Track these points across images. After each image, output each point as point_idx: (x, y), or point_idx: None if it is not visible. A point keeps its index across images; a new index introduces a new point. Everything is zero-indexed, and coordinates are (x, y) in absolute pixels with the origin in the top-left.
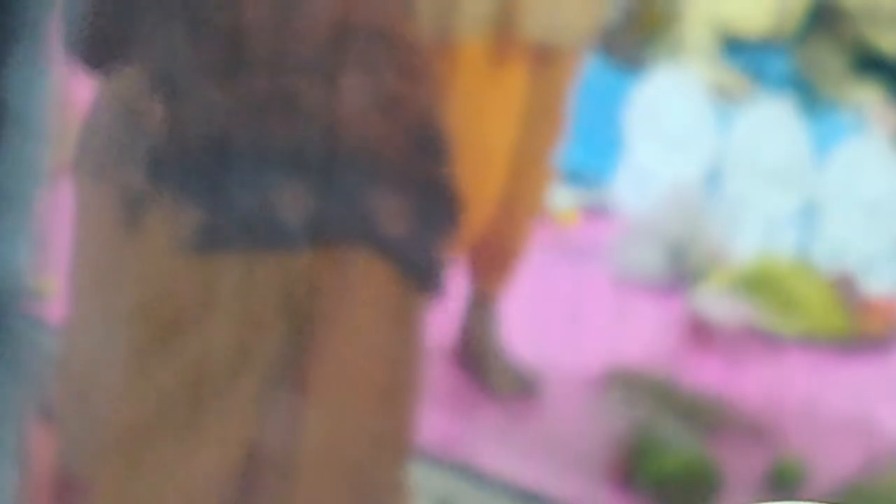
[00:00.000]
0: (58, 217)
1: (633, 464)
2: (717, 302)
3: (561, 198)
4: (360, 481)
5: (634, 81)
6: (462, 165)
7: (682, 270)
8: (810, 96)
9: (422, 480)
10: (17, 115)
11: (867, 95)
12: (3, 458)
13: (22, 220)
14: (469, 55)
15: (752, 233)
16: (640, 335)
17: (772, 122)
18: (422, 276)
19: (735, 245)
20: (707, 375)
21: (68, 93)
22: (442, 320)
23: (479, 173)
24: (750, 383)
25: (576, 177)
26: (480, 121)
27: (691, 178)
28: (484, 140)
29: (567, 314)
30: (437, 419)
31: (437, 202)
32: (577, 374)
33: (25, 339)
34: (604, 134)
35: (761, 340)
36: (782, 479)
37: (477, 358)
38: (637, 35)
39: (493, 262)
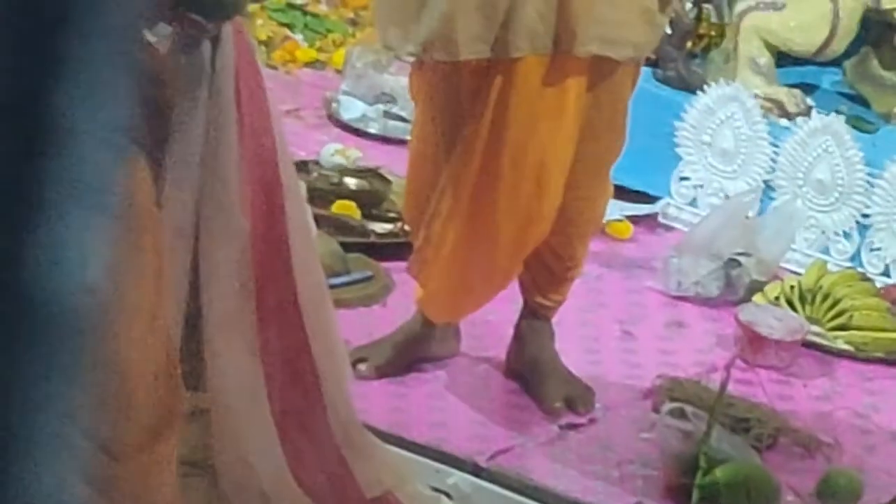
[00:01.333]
0: None
1: (687, 477)
2: (769, 315)
3: (614, 210)
4: None
5: (689, 96)
6: (523, 182)
7: (734, 284)
8: (863, 111)
9: (475, 492)
10: None
11: None
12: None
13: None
14: (527, 71)
15: (805, 247)
16: (694, 348)
17: (825, 137)
18: None
19: (788, 259)
20: (760, 388)
21: None
22: (498, 333)
23: (538, 190)
24: (803, 396)
25: (630, 190)
26: (539, 137)
27: (745, 193)
28: (543, 156)
29: (620, 327)
30: (492, 432)
31: None
32: (630, 388)
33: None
34: (658, 148)
35: (814, 353)
36: (836, 492)
37: (532, 371)
38: (692, 50)
39: (550, 278)
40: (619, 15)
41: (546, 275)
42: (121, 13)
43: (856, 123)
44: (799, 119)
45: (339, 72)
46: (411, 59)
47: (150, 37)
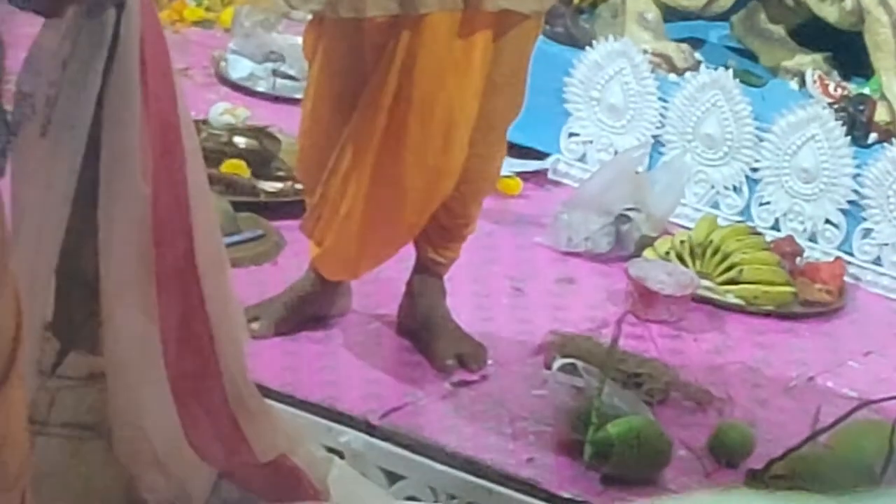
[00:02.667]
0: None
1: (579, 433)
2: (660, 270)
3: (504, 167)
4: None
5: (577, 52)
6: (430, 137)
7: (624, 239)
8: (751, 65)
9: (368, 450)
10: None
11: (808, 64)
12: None
13: None
14: (434, 27)
15: (695, 201)
16: (585, 304)
17: (713, 91)
18: None
19: (677, 214)
20: (651, 343)
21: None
22: (389, 291)
23: (445, 145)
24: (694, 351)
25: (519, 146)
26: (447, 92)
27: (634, 148)
28: (451, 111)
29: (511, 284)
30: (385, 390)
31: None
32: (522, 344)
33: None
34: (547, 104)
35: (704, 308)
36: (728, 446)
37: (424, 329)
38: (580, 6)
39: (443, 235)
40: None
41: (440, 232)
42: None
43: (744, 78)
44: (687, 74)
45: (227, 31)
46: (298, 15)
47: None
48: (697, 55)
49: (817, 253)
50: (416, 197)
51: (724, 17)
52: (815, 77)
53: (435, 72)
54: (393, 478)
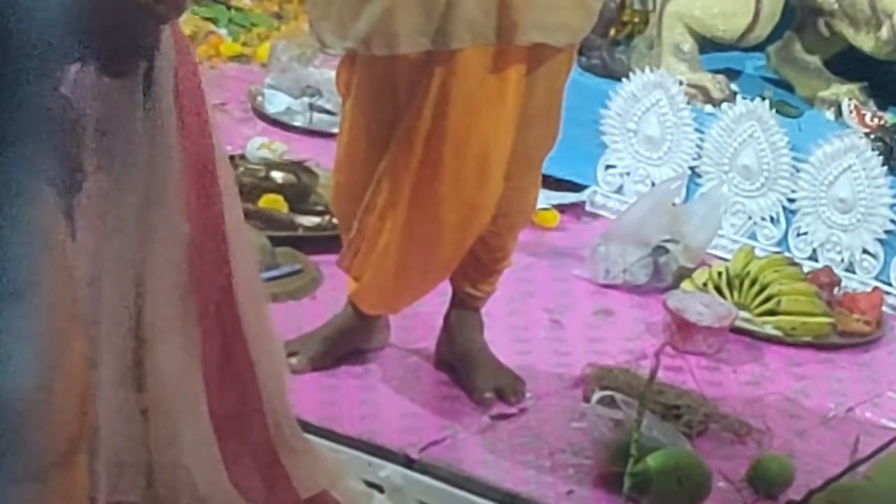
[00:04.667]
0: None
1: (618, 465)
2: (697, 301)
3: (541, 199)
4: None
5: (613, 84)
6: (465, 172)
7: (662, 271)
8: (787, 96)
9: (407, 485)
10: None
11: (844, 94)
12: None
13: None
14: (467, 61)
15: (732, 232)
16: (623, 336)
17: (750, 122)
18: None
19: (715, 245)
20: (690, 375)
21: None
22: (427, 324)
23: (480, 180)
24: (732, 382)
25: (556, 179)
26: (481, 126)
27: (671, 179)
28: (485, 145)
29: (549, 316)
30: (424, 424)
31: None
32: (560, 377)
33: None
34: (584, 136)
35: (743, 339)
36: (767, 478)
37: (462, 362)
38: (615, 38)
39: (480, 269)
40: (555, 1)
41: (476, 266)
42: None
43: (780, 108)
44: (724, 105)
45: (264, 66)
46: (335, 50)
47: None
48: (733, 86)
49: (855, 283)
50: (452, 231)
51: (759, 47)
52: (852, 107)
53: (468, 107)
54: None
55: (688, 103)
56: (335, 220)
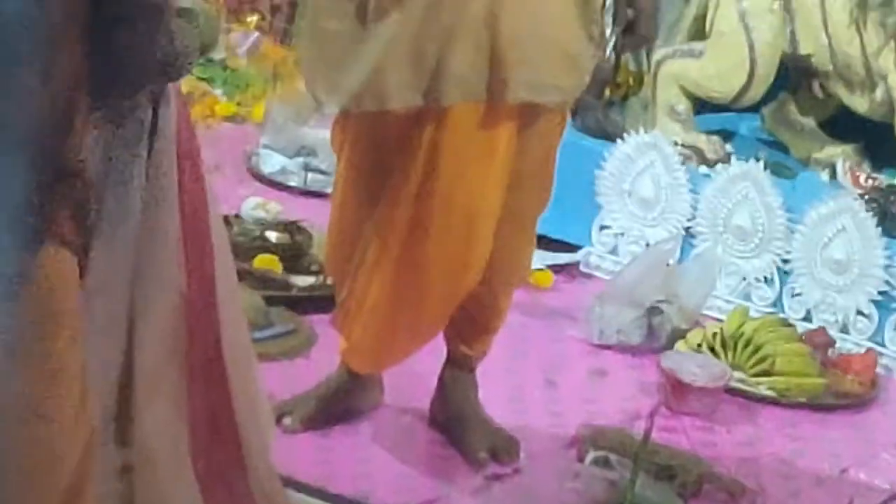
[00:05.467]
0: None
1: None
2: (692, 362)
3: (536, 260)
4: None
5: (608, 145)
6: (453, 230)
7: (657, 331)
8: (782, 157)
9: None
10: None
11: (838, 155)
12: None
13: None
14: (457, 118)
15: (727, 293)
16: (617, 396)
17: (744, 183)
18: None
19: (709, 305)
20: (684, 435)
21: None
22: (421, 384)
23: (468, 238)
24: (727, 442)
25: (551, 239)
26: (470, 184)
27: (665, 240)
28: (474, 204)
29: (543, 376)
30: (418, 483)
31: None
32: (555, 437)
33: None
34: (578, 197)
35: (737, 399)
36: None
37: (456, 422)
38: (610, 99)
39: (473, 329)
40: (546, 60)
41: (470, 325)
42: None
43: (775, 169)
44: (718, 166)
45: (258, 126)
46: (329, 110)
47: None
48: (728, 147)
49: (849, 344)
50: (439, 289)
51: (754, 108)
52: (846, 168)
53: (457, 163)
54: None
55: (682, 164)
56: (329, 280)
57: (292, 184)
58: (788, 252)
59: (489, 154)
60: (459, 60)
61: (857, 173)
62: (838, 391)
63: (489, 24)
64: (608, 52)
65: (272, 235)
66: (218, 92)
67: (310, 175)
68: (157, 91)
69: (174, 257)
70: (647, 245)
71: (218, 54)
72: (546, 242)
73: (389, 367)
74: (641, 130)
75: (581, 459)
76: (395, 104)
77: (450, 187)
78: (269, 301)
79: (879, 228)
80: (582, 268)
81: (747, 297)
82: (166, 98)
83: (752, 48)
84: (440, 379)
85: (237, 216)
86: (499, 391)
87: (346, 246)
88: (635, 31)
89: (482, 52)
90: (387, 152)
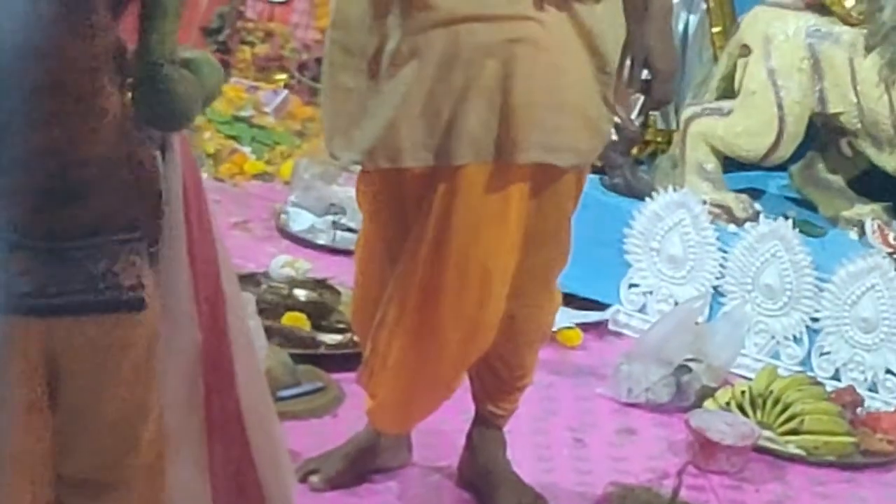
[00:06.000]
0: None
1: None
2: (720, 420)
3: (564, 318)
4: None
5: (637, 203)
6: (466, 290)
7: (685, 390)
8: (811, 215)
9: None
10: None
11: (867, 214)
12: None
13: None
14: (470, 178)
15: (755, 352)
16: (645, 455)
17: (773, 241)
18: None
19: (738, 364)
20: (712, 494)
21: None
22: (450, 442)
23: (481, 298)
24: (755, 501)
25: (579, 298)
26: (482, 245)
27: (694, 299)
28: (486, 264)
29: (571, 435)
30: None
31: None
32: (582, 495)
33: None
34: (607, 255)
35: (765, 458)
36: None
37: (485, 481)
38: (639, 157)
39: (500, 387)
40: (561, 122)
41: (497, 384)
42: None
43: (804, 228)
44: (747, 224)
45: (287, 183)
46: (356, 167)
47: None
48: (757, 205)
49: (878, 403)
50: (454, 349)
51: (782, 167)
52: (875, 227)
53: (471, 223)
54: None
55: (711, 222)
56: (357, 338)
57: (321, 242)
58: (817, 311)
59: (502, 214)
60: (472, 121)
61: (886, 232)
62: (867, 450)
63: (503, 85)
64: (636, 111)
65: (300, 293)
66: (246, 150)
67: (338, 233)
68: (162, 140)
69: (190, 311)
70: (676, 303)
71: (246, 112)
72: (575, 300)
73: (412, 426)
74: (670, 189)
75: None
76: (408, 162)
77: (463, 247)
78: (297, 359)
79: None
80: (610, 326)
81: (776, 356)
82: (171, 147)
83: (780, 107)
84: (468, 437)
85: (265, 274)
86: (527, 449)
87: (369, 304)
88: (651, 94)
89: (495, 112)
90: (405, 210)
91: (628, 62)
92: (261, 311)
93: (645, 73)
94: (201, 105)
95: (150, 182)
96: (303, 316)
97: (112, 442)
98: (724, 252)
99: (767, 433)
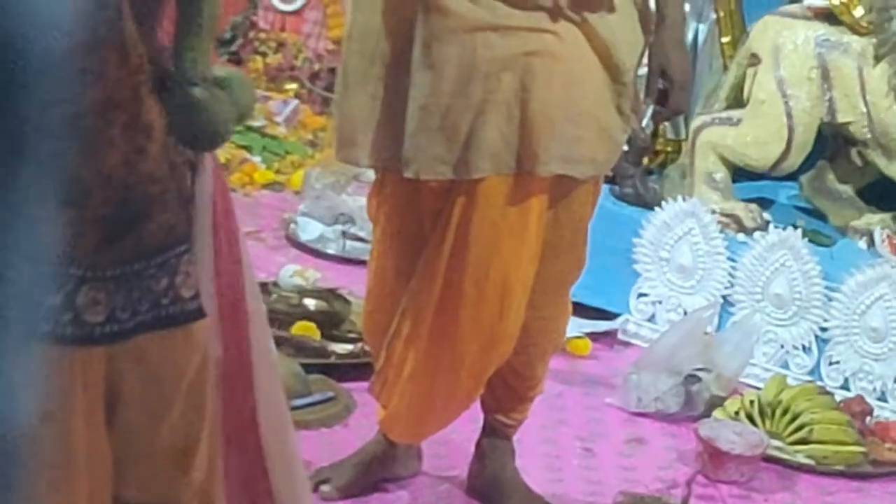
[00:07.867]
0: None
1: None
2: (729, 430)
3: (573, 327)
4: None
5: (646, 213)
6: (485, 302)
7: (694, 399)
8: (820, 225)
9: None
10: None
11: (876, 223)
12: None
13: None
14: (489, 191)
15: (764, 361)
16: (655, 464)
17: (782, 251)
18: None
19: (747, 373)
20: None
21: None
22: (459, 452)
23: (501, 310)
24: None
25: (588, 307)
26: (502, 257)
27: (703, 308)
28: (506, 276)
29: (581, 444)
30: None
31: None
32: None
33: None
34: (616, 265)
35: (775, 467)
36: None
37: (494, 490)
38: (648, 167)
39: (511, 397)
40: (578, 133)
41: (507, 394)
42: None
43: (813, 237)
44: (756, 234)
45: (297, 193)
46: (366, 177)
47: None
48: (766, 215)
49: (887, 412)
50: (472, 361)
51: (792, 177)
52: (884, 236)
53: (490, 236)
54: None
55: (720, 232)
56: (367, 348)
57: (331, 251)
58: (826, 320)
59: (521, 227)
60: (491, 133)
61: (895, 241)
62: (876, 459)
63: (521, 97)
64: (645, 120)
65: (310, 303)
66: (256, 159)
67: (348, 242)
68: (193, 159)
69: (212, 326)
70: (685, 313)
71: (257, 122)
72: (584, 310)
73: (426, 437)
74: (679, 198)
75: None
76: (425, 175)
77: (482, 260)
78: (308, 368)
79: None
80: (620, 335)
81: (785, 365)
82: (203, 166)
83: (789, 116)
84: (478, 446)
85: (275, 284)
86: (536, 459)
87: (382, 314)
88: (668, 104)
89: (514, 125)
90: (421, 222)
91: (643, 72)
92: (271, 321)
93: (660, 83)
94: (235, 124)
95: (188, 193)
96: (313, 325)
97: (168, 463)
98: (734, 261)
99: (776, 443)
